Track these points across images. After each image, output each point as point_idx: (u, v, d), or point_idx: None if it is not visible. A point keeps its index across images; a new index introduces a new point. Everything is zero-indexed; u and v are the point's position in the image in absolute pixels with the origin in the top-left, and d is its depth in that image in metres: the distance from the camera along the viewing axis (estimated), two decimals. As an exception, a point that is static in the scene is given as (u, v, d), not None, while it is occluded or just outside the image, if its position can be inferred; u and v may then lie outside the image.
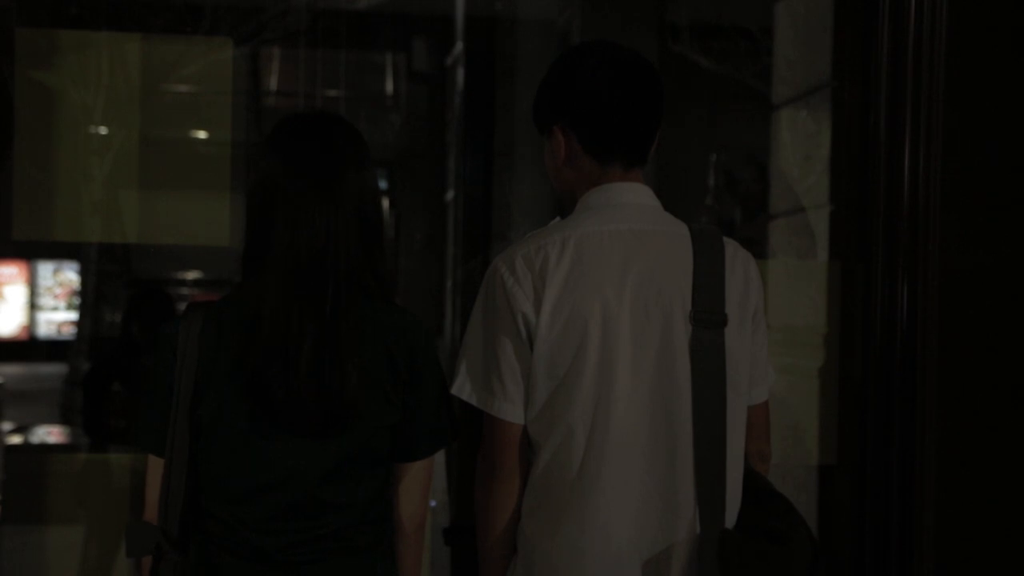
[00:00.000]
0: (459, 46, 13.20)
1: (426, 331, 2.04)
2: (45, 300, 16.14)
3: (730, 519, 2.07)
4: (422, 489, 2.07)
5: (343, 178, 1.96)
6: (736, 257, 2.12)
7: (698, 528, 2.02)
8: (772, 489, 2.18)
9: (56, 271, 15.95)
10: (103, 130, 3.83)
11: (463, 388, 2.09)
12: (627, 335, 2.02)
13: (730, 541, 2.01)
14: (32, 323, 16.39)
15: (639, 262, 2.04)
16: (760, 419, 2.21)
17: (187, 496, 1.98)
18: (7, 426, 7.20)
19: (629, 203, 2.11)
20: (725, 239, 2.12)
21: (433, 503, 4.57)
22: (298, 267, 1.92)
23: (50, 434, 7.74)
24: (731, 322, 2.05)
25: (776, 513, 2.13)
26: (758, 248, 4.68)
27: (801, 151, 3.90)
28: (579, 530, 2.02)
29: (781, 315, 3.90)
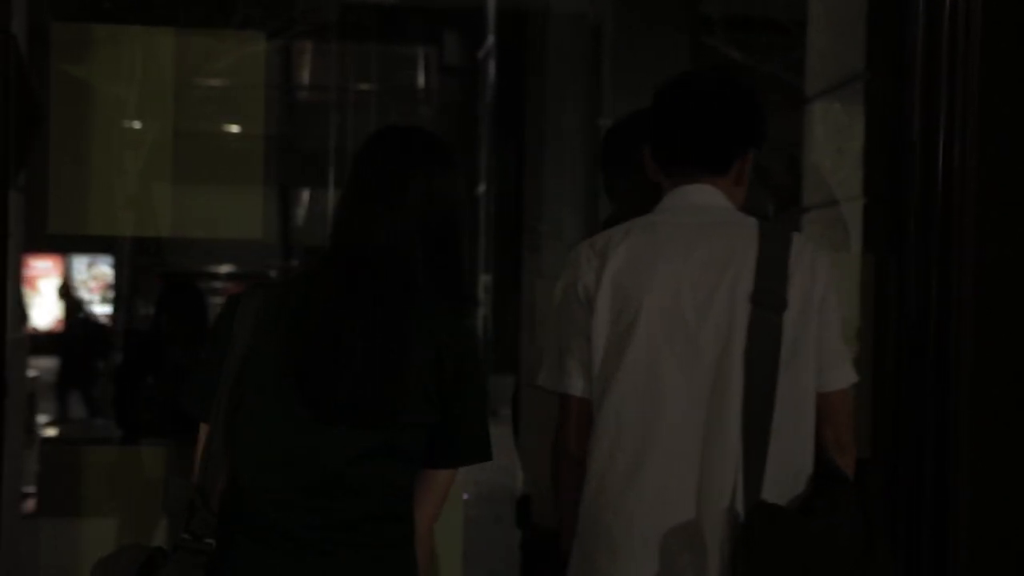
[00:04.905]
0: (490, 40, 13.20)
1: (477, 342, 2.11)
2: (80, 294, 16.27)
3: (781, 499, 2.11)
4: (442, 496, 2.10)
5: (410, 184, 2.06)
6: (804, 248, 2.20)
7: (740, 503, 2.09)
8: (837, 473, 2.20)
9: (90, 265, 16.09)
10: (136, 124, 3.85)
11: (538, 375, 2.28)
12: (688, 314, 2.12)
13: (760, 514, 2.06)
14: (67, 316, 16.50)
15: (701, 249, 2.16)
16: (836, 407, 2.24)
17: (227, 464, 2.04)
18: (42, 418, 7.26)
19: (697, 203, 2.25)
20: (796, 233, 2.23)
21: (466, 496, 4.58)
22: (354, 263, 2.01)
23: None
24: (792, 307, 2.13)
25: (825, 492, 2.16)
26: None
27: (834, 144, 3.88)
28: (635, 503, 2.12)
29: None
